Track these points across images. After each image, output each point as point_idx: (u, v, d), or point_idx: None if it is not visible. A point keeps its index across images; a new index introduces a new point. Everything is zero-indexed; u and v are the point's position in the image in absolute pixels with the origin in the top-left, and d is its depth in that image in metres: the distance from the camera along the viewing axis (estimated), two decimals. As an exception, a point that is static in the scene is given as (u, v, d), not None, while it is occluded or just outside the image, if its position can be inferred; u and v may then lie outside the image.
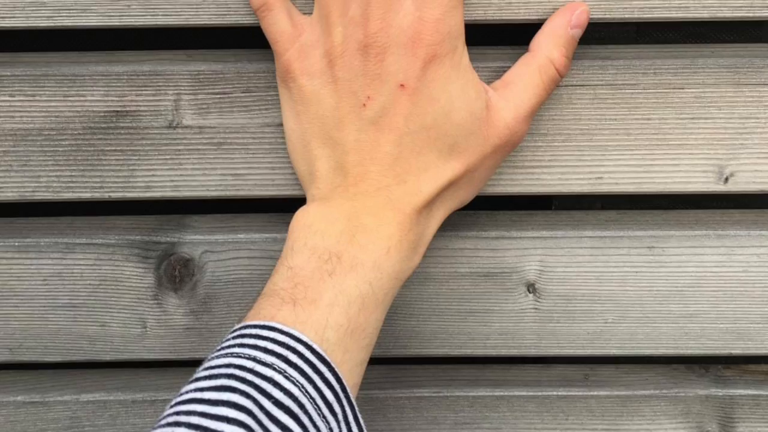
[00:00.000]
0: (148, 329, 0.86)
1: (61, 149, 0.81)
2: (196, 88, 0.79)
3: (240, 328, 0.68)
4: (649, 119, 0.79)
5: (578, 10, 0.75)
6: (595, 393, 0.89)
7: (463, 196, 0.78)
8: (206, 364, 0.65)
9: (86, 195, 0.82)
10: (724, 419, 0.88)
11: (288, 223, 0.74)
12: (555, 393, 0.89)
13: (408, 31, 0.71)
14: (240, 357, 0.65)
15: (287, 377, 0.65)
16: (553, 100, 0.79)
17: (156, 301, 0.85)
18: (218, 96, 0.79)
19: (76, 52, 0.80)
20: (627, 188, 0.81)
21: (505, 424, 0.89)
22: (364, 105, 0.72)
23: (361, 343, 0.70)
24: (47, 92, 0.79)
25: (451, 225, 0.82)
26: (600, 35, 0.82)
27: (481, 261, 0.84)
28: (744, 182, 0.81)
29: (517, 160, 0.81)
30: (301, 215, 0.74)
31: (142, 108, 0.80)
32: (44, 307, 0.86)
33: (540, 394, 0.89)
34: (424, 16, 0.71)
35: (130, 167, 0.81)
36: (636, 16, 0.76)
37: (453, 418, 0.89)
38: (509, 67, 0.76)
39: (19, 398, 0.89)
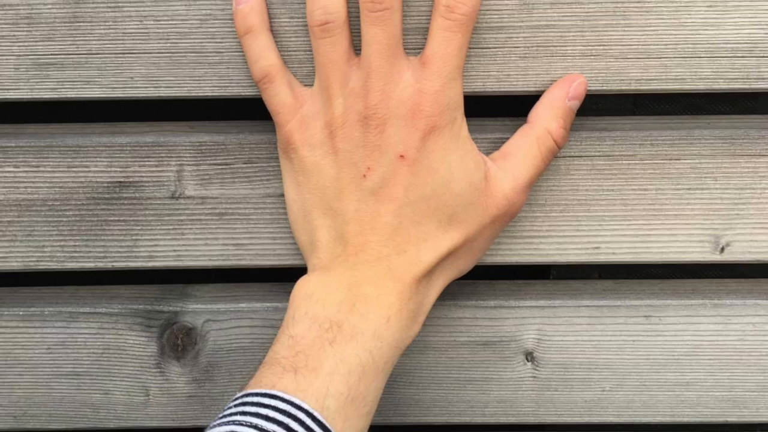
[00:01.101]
0: (151, 397, 0.82)
1: (65, 219, 0.77)
2: (199, 158, 0.76)
3: (242, 396, 0.64)
4: (646, 190, 0.76)
5: (576, 82, 0.72)
6: (593, 460, 0.84)
7: (462, 265, 0.74)
8: (208, 432, 0.61)
9: (90, 265, 0.79)
10: (721, 486, 0.83)
11: (289, 293, 0.71)
12: (553, 461, 0.82)
13: (408, 103, 0.68)
14: (242, 425, 0.61)
15: (288, 446, 0.60)
16: (551, 171, 0.75)
17: (159, 370, 0.81)
18: (220, 167, 0.76)
19: (79, 123, 0.77)
20: (624, 258, 0.78)
21: (505, 491, 0.84)
22: (365, 176, 0.69)
23: (362, 411, 0.67)
24: (51, 163, 0.76)
25: (450, 294, 0.78)
26: (597, 107, 0.79)
27: (480, 330, 0.80)
28: (740, 252, 0.77)
29: (515, 229, 0.77)
30: (302, 285, 0.70)
31: (145, 178, 0.76)
32: (48, 375, 0.82)
33: (538, 461, 0.82)
34: (424, 88, 0.68)
35: (133, 237, 0.78)
36: (633, 88, 0.73)
37: (453, 485, 0.83)
38: (508, 139, 0.73)
39: (23, 466, 0.84)
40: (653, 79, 0.72)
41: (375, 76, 0.68)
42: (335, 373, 0.66)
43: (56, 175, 0.76)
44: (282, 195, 0.76)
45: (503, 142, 0.73)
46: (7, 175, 0.76)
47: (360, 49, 0.69)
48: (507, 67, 0.72)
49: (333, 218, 0.71)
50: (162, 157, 0.76)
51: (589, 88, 0.72)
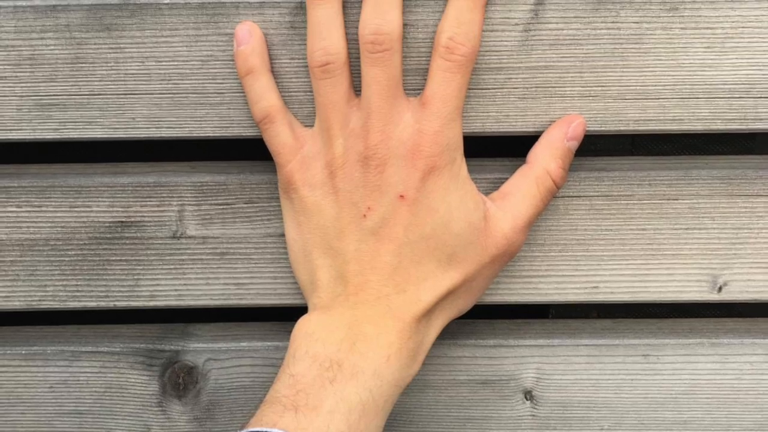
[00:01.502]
0: (152, 436, 0.79)
1: (67, 259, 0.75)
2: (200, 198, 0.74)
3: (243, 435, 0.62)
4: (644, 230, 0.74)
5: (574, 123, 0.70)
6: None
7: (462, 304, 0.72)
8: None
9: (92, 304, 0.77)
10: None
11: (290, 332, 0.69)
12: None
13: (407, 143, 0.67)
14: (243, 462, 0.59)
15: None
16: (549, 211, 0.74)
17: (160, 408, 0.79)
18: (221, 207, 0.74)
19: (82, 163, 0.76)
20: (622, 297, 0.76)
21: None
22: (365, 215, 0.68)
23: (362, 449, 0.65)
24: (53, 203, 0.74)
25: (450, 333, 0.76)
26: (596, 147, 0.78)
27: (479, 369, 0.78)
28: (737, 291, 0.75)
29: (514, 269, 0.76)
30: (302, 324, 0.69)
31: (146, 218, 0.75)
32: (51, 414, 0.80)
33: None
34: (424, 129, 0.67)
35: (135, 277, 0.76)
36: (631, 128, 0.71)
37: None
38: (507, 179, 0.72)
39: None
40: (651, 120, 0.71)
41: (375, 117, 0.67)
42: (336, 412, 0.64)
43: (58, 215, 0.74)
44: (283, 235, 0.74)
45: (502, 182, 0.72)
46: (10, 215, 0.74)
47: (360, 90, 0.67)
48: (506, 107, 0.71)
49: (333, 258, 0.69)
50: (163, 197, 0.74)
51: (587, 129, 0.71)
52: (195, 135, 0.72)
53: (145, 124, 0.72)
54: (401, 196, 0.67)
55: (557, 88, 0.70)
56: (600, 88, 0.70)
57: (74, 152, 0.79)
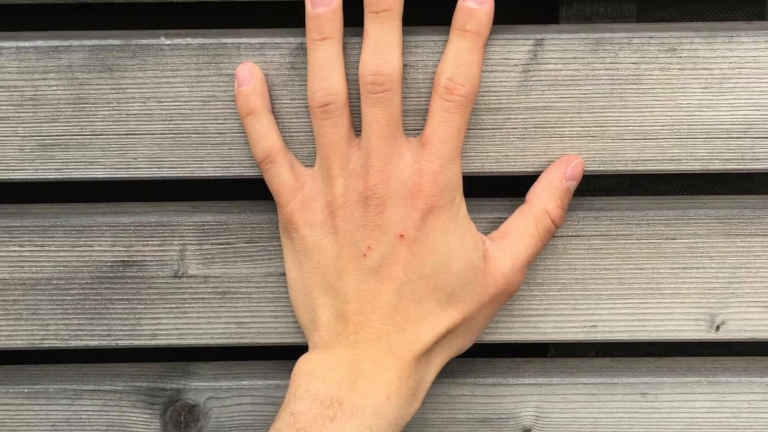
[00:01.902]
0: (154, 474, 0.77)
1: (69, 298, 0.73)
2: (201, 238, 0.72)
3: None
4: (642, 269, 0.72)
5: (573, 163, 0.69)
6: None
7: (461, 343, 0.70)
8: None
9: (94, 343, 0.74)
10: None
11: (290, 370, 0.67)
12: None
13: (407, 183, 0.65)
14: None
15: None
16: (548, 250, 0.72)
17: None
18: (222, 246, 0.72)
19: (83, 203, 0.74)
20: (621, 336, 0.74)
21: None
22: (365, 255, 0.66)
23: (362, 488, 0.64)
24: (56, 242, 0.72)
25: (449, 372, 0.74)
26: (594, 187, 0.76)
27: (479, 407, 0.76)
28: (735, 330, 0.73)
29: (513, 308, 0.73)
30: (303, 362, 0.67)
31: (148, 258, 0.73)
32: None
33: None
34: (423, 169, 0.65)
35: (137, 316, 0.74)
36: (629, 168, 0.70)
37: None
38: (506, 218, 0.70)
39: None
40: (650, 160, 0.69)
41: (375, 157, 0.65)
42: (336, 450, 0.63)
43: (60, 254, 0.72)
44: (283, 274, 0.72)
45: (502, 222, 0.70)
46: (12, 254, 0.72)
47: (360, 130, 0.66)
48: (505, 147, 0.69)
49: (334, 297, 0.67)
50: (165, 236, 0.72)
51: (586, 169, 0.69)
52: (196, 175, 0.70)
53: (146, 164, 0.70)
54: (401, 236, 0.65)
55: (556, 129, 0.69)
56: (599, 129, 0.69)
57: (76, 192, 0.77)
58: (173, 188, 0.75)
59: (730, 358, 0.77)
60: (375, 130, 0.65)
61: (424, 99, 0.67)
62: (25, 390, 0.76)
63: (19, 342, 0.74)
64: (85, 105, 0.68)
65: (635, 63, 0.67)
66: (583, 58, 0.67)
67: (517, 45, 0.67)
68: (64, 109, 0.68)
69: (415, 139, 0.66)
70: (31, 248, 0.72)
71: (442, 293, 0.67)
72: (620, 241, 0.71)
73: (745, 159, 0.69)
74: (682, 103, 0.68)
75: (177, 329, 0.74)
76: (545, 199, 0.68)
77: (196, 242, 0.72)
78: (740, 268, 0.72)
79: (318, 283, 0.68)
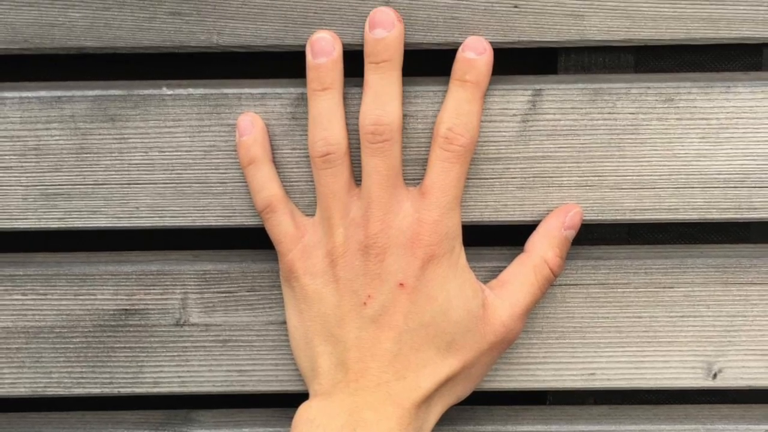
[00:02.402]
0: None
1: (72, 346, 0.70)
2: (203, 287, 0.69)
3: None
4: (640, 317, 0.69)
5: (572, 212, 0.66)
6: None
7: (461, 391, 0.67)
8: None
9: (96, 391, 0.71)
10: None
11: (291, 418, 0.64)
12: None
13: (407, 232, 0.63)
14: None
15: None
16: (547, 299, 0.69)
17: None
18: (224, 295, 0.69)
19: (86, 252, 0.71)
20: (619, 384, 0.71)
21: None
22: (365, 303, 0.63)
23: None
24: (58, 291, 0.69)
25: (449, 419, 0.71)
26: (593, 236, 0.72)
27: None
28: (732, 378, 0.70)
29: (512, 356, 0.70)
30: (303, 410, 0.64)
31: (150, 306, 0.70)
32: None
33: None
34: (423, 218, 0.63)
35: (139, 364, 0.70)
36: (627, 217, 0.67)
37: None
38: (505, 267, 0.67)
39: None
40: (648, 209, 0.67)
41: (375, 206, 0.63)
42: (337, 497, 0.62)
43: (63, 302, 0.69)
44: (284, 322, 0.69)
45: (501, 271, 0.67)
46: (16, 302, 0.69)
47: (361, 179, 0.64)
48: (504, 197, 0.67)
49: (334, 345, 0.65)
50: (167, 285, 0.69)
51: (584, 218, 0.67)
52: (198, 224, 0.68)
53: (148, 214, 0.67)
54: (401, 285, 0.63)
55: (555, 178, 0.66)
56: (597, 178, 0.66)
57: (79, 240, 0.74)
58: (175, 237, 0.73)
59: (727, 405, 0.74)
60: (375, 180, 0.62)
61: (423, 149, 0.65)
62: (29, 437, 0.73)
63: (22, 390, 0.71)
64: (88, 155, 0.66)
65: (633, 113, 0.64)
66: (582, 108, 0.65)
67: (516, 95, 0.64)
68: (66, 159, 0.66)
69: (414, 189, 0.64)
70: (34, 297, 0.69)
71: (442, 341, 0.64)
72: (618, 290, 0.69)
73: (742, 208, 0.66)
74: (679, 153, 0.65)
75: (179, 377, 0.71)
76: (544, 248, 0.66)
77: (197, 291, 0.69)
78: (737, 317, 0.69)
79: (318, 331, 0.65)
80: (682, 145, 0.65)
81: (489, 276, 0.68)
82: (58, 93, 0.65)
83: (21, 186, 0.66)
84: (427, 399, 0.64)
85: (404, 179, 0.64)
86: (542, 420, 0.72)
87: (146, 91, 0.65)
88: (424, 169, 0.64)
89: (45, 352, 0.70)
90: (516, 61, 0.66)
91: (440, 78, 0.64)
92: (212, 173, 0.66)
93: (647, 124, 0.64)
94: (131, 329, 0.70)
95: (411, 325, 0.63)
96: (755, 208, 0.66)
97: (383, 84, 0.62)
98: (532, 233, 0.67)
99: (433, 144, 0.63)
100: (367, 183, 0.63)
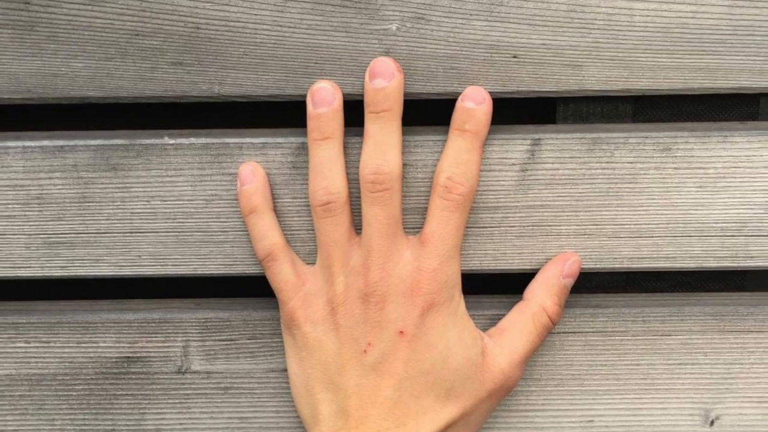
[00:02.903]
0: None
1: (74, 394, 0.67)
2: (204, 335, 0.66)
3: None
4: (638, 365, 0.66)
5: (570, 261, 0.63)
6: None
7: None
8: None
9: None
10: None
11: None
12: None
13: (407, 281, 0.60)
14: None
15: None
16: (546, 346, 0.66)
17: None
18: (225, 342, 0.66)
19: (88, 300, 0.68)
20: (617, 431, 0.67)
21: None
22: (365, 351, 0.60)
23: None
24: (61, 339, 0.66)
25: None
26: (591, 284, 0.69)
27: None
28: (729, 425, 0.66)
29: (511, 403, 0.67)
30: None
31: (152, 354, 0.66)
32: None
33: None
34: (422, 266, 0.60)
35: (141, 411, 0.67)
36: (625, 266, 0.64)
37: None
38: (504, 315, 0.64)
39: None
40: (645, 258, 0.63)
41: (375, 255, 0.60)
42: None
43: (66, 350, 0.66)
44: (285, 370, 0.66)
45: (500, 319, 0.64)
46: (19, 350, 0.66)
47: (361, 227, 0.61)
48: (503, 245, 0.63)
49: (335, 392, 0.61)
50: (168, 333, 0.66)
51: (582, 266, 0.64)
52: (199, 273, 0.64)
53: (150, 262, 0.64)
54: (401, 332, 0.60)
55: (553, 227, 0.63)
56: (595, 227, 0.63)
57: (81, 288, 0.71)
58: (177, 285, 0.69)
59: (724, 452, 0.71)
60: (375, 229, 0.59)
61: (423, 198, 0.62)
62: (31, 484, 0.70)
63: (25, 437, 0.68)
64: (90, 203, 0.63)
65: (631, 162, 0.61)
66: (580, 157, 0.61)
67: (515, 144, 0.61)
68: (69, 208, 0.63)
69: (414, 237, 0.61)
70: (37, 344, 0.66)
71: (441, 389, 0.61)
72: (616, 338, 0.65)
73: (739, 257, 0.63)
74: (677, 202, 0.62)
75: (180, 424, 0.67)
76: (543, 296, 0.63)
77: (199, 338, 0.66)
78: (734, 364, 0.65)
79: (319, 378, 0.62)
80: (680, 194, 0.62)
81: (488, 324, 0.65)
82: (61, 142, 0.62)
83: (24, 235, 0.63)
84: (427, 446, 0.62)
85: (404, 228, 0.61)
86: (541, 466, 0.70)
87: (148, 141, 0.62)
88: (424, 218, 0.61)
89: (48, 399, 0.66)
90: (515, 111, 0.64)
91: (440, 127, 0.61)
92: (214, 222, 0.63)
93: (645, 173, 0.61)
94: (133, 377, 0.66)
95: (411, 373, 0.60)
96: (752, 257, 0.63)
97: (383, 133, 0.59)
98: (531, 281, 0.64)
99: (433, 193, 0.60)
100: (368, 231, 0.60)
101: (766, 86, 0.61)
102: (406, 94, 0.60)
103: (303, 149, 0.62)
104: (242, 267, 0.64)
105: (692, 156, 0.61)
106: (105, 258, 0.63)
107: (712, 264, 0.63)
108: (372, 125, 0.59)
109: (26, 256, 0.63)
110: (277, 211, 0.62)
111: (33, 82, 0.61)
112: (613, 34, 0.59)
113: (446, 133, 0.60)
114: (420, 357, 0.60)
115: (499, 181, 0.62)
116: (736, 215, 0.62)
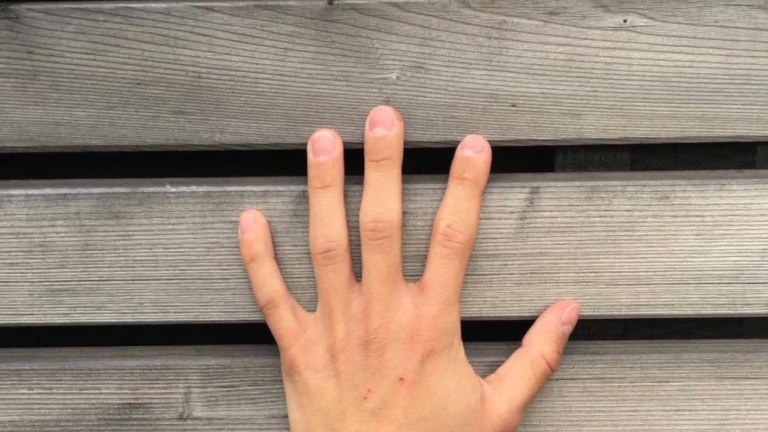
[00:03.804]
0: None
1: None
2: (206, 381, 0.60)
3: None
4: (636, 411, 0.60)
5: (569, 308, 0.58)
6: None
7: None
8: None
9: None
10: None
11: None
12: None
13: (407, 328, 0.55)
14: None
15: None
16: (544, 393, 0.61)
17: None
18: (226, 389, 0.61)
19: (91, 347, 0.63)
20: None
21: None
22: (365, 398, 0.56)
23: None
24: (64, 386, 0.61)
25: None
26: (589, 331, 0.64)
27: None
28: None
29: None
30: None
31: (154, 400, 0.61)
32: None
33: None
34: (422, 314, 0.56)
35: None
36: (623, 313, 0.59)
37: None
38: (503, 362, 0.59)
39: None
40: (643, 305, 0.59)
41: (375, 302, 0.56)
42: None
43: (68, 397, 0.61)
44: (286, 416, 0.61)
45: (499, 366, 0.59)
46: (22, 396, 0.61)
47: (361, 274, 0.56)
48: (502, 293, 0.58)
49: None
50: (170, 379, 0.61)
51: (581, 314, 0.59)
52: (201, 320, 0.60)
53: (152, 309, 0.59)
54: (401, 379, 0.55)
55: (552, 274, 0.58)
56: (593, 274, 0.58)
57: (83, 335, 0.66)
58: (178, 332, 0.65)
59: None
60: (375, 276, 0.55)
61: (423, 245, 0.57)
62: None
63: (28, 484, 0.64)
64: (93, 251, 0.58)
65: (629, 210, 0.57)
66: (578, 205, 0.57)
67: (514, 193, 0.57)
68: (71, 255, 0.58)
69: (414, 285, 0.57)
70: (40, 391, 0.61)
71: None
72: (614, 384, 0.60)
73: (737, 304, 0.58)
74: (674, 250, 0.57)
75: (182, 470, 0.63)
76: (541, 343, 0.58)
77: (200, 385, 0.61)
78: (731, 411, 0.60)
79: (320, 425, 0.57)
80: (677, 242, 0.57)
81: (487, 370, 0.60)
82: (64, 190, 0.57)
83: (27, 282, 0.59)
84: (427, 492, 0.57)
85: (404, 275, 0.57)
86: None
87: (150, 189, 0.57)
88: (424, 265, 0.57)
89: (50, 445, 0.63)
90: (514, 159, 0.59)
91: (439, 176, 0.57)
92: (215, 270, 0.58)
93: (643, 221, 0.57)
94: (135, 423, 0.61)
95: (411, 419, 0.55)
96: (749, 304, 0.58)
97: (383, 181, 0.55)
98: (530, 328, 0.59)
99: (433, 240, 0.56)
100: (368, 279, 0.55)
101: (762, 135, 0.57)
102: (406, 143, 0.56)
103: (304, 197, 0.57)
104: (243, 314, 0.59)
105: (690, 204, 0.57)
106: (107, 305, 0.59)
107: (709, 311, 0.59)
108: (372, 173, 0.55)
109: (29, 303, 0.59)
110: (278, 259, 0.58)
111: (36, 130, 0.57)
112: (612, 83, 0.55)
113: (446, 181, 0.56)
114: (420, 403, 0.55)
115: (498, 228, 0.57)
116: (733, 263, 0.57)
